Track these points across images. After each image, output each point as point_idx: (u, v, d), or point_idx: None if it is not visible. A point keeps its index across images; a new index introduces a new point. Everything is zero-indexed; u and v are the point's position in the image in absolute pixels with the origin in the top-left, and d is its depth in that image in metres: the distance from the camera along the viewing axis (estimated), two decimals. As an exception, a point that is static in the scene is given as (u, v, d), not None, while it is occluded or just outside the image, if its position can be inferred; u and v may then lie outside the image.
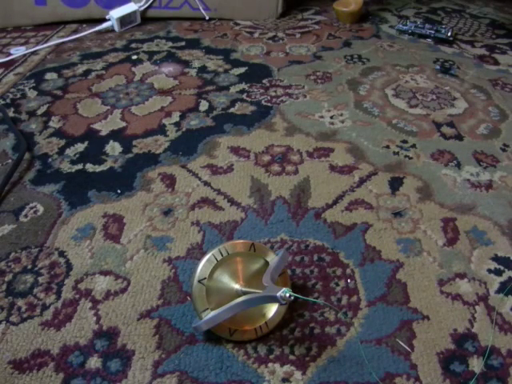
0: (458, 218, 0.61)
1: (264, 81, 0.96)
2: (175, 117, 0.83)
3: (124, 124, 0.81)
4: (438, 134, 0.79)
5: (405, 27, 1.22)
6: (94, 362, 0.44)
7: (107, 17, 1.20)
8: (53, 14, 1.23)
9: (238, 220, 0.60)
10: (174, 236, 0.58)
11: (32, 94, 0.91)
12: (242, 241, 0.47)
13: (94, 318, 0.48)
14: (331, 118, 0.83)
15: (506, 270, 0.54)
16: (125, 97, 0.89)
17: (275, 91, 0.91)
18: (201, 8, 1.27)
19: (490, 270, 0.54)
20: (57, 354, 0.45)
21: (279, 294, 0.38)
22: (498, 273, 0.53)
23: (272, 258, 0.48)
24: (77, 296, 0.50)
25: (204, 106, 0.87)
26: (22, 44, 1.14)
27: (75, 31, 1.22)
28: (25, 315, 0.48)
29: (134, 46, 1.13)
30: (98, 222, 0.60)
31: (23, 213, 0.61)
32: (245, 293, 0.45)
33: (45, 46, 1.12)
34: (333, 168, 0.70)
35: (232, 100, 0.88)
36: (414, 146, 0.76)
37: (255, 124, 0.81)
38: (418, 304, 0.50)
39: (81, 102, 0.88)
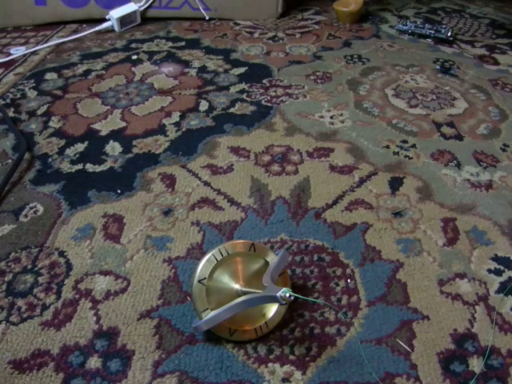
0: (458, 218, 0.61)
1: (264, 81, 0.96)
2: (175, 117, 0.83)
3: (124, 124, 0.81)
4: (438, 134, 0.79)
5: (405, 27, 1.22)
6: (93, 362, 0.44)
7: (107, 17, 1.20)
8: (53, 14, 1.23)
9: (237, 220, 0.60)
10: (174, 236, 0.58)
11: (32, 94, 0.91)
12: (242, 241, 0.47)
13: (94, 318, 0.48)
14: (331, 117, 0.83)
15: (506, 270, 0.54)
16: (125, 97, 0.89)
17: (275, 91, 0.91)
18: (201, 8, 1.27)
19: (490, 270, 0.54)
20: (57, 354, 0.45)
21: (279, 293, 0.38)
22: (498, 273, 0.53)
23: (272, 258, 0.48)
24: (77, 296, 0.50)
25: (204, 105, 0.87)
26: (22, 44, 1.14)
27: (75, 31, 1.22)
28: (25, 315, 0.48)
29: (133, 45, 1.13)
30: (98, 222, 0.60)
31: (23, 213, 0.61)
32: (245, 293, 0.45)
33: (45, 45, 1.12)
34: (333, 168, 0.70)
35: (232, 100, 0.88)
36: (414, 146, 0.76)
37: (255, 124, 0.81)
38: (418, 304, 0.50)
39: (81, 101, 0.88)
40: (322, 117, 0.83)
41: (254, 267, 0.48)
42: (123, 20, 1.21)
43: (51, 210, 0.62)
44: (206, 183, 0.67)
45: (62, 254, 0.55)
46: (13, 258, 0.55)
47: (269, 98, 0.89)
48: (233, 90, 0.92)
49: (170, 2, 1.26)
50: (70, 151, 0.74)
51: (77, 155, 0.73)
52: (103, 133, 0.79)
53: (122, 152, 0.74)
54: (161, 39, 1.17)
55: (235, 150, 0.74)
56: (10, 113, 0.84)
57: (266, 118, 0.82)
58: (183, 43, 1.14)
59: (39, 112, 0.85)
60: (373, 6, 1.44)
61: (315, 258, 0.55)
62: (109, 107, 0.86)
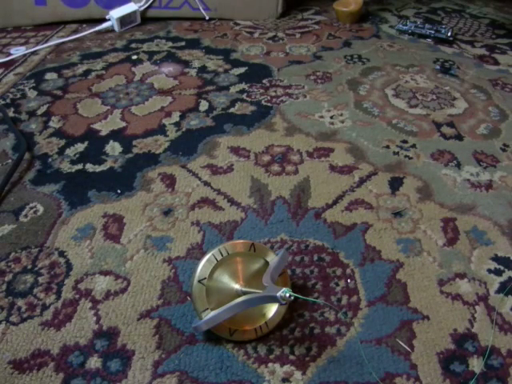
0: (458, 218, 0.61)
1: (264, 81, 0.96)
2: (175, 117, 0.83)
3: (124, 124, 0.81)
4: (438, 134, 0.79)
5: (405, 27, 1.22)
6: (93, 362, 0.44)
7: (107, 17, 1.20)
8: (53, 14, 1.23)
9: (238, 220, 0.60)
10: (174, 236, 0.58)
11: (32, 94, 0.91)
12: (242, 241, 0.47)
13: (94, 318, 0.48)
14: (331, 117, 0.83)
15: (506, 270, 0.54)
16: (125, 97, 0.89)
17: (275, 91, 0.91)
18: (201, 8, 1.27)
19: (490, 270, 0.54)
20: (57, 354, 0.45)
21: (279, 294, 0.38)
22: (498, 273, 0.53)
23: (272, 258, 0.48)
24: (77, 296, 0.50)
25: (204, 106, 0.87)
26: (22, 44, 1.14)
27: (75, 31, 1.22)
28: (25, 315, 0.48)
29: (133, 45, 1.13)
30: (98, 222, 0.60)
31: (23, 213, 0.61)
32: (245, 293, 0.45)
33: (45, 45, 1.12)
34: (333, 168, 0.70)
35: (232, 100, 0.88)
36: (414, 146, 0.76)
37: (255, 124, 0.81)
38: (418, 304, 0.50)
39: (81, 101, 0.88)
40: (321, 117, 0.83)
41: (254, 267, 0.48)
42: (123, 20, 1.21)
43: (51, 210, 0.62)
44: (206, 183, 0.67)
45: (62, 253, 0.55)
46: (13, 258, 0.55)
47: (269, 97, 0.89)
48: (233, 89, 0.92)
49: (170, 2, 1.26)
50: (69, 151, 0.74)
51: (77, 155, 0.73)
52: (103, 133, 0.79)
53: (122, 152, 0.74)
54: (161, 39, 1.17)
55: (235, 150, 0.74)
56: (10, 113, 0.84)
57: (266, 118, 0.82)
58: (183, 43, 1.14)
59: (39, 112, 0.85)
60: (373, 6, 1.44)
61: (315, 257, 0.55)
62: (109, 107, 0.86)
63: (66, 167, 0.70)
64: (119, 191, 0.65)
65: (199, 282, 0.44)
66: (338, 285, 0.52)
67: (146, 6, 1.25)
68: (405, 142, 0.77)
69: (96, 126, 0.80)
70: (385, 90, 0.93)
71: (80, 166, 0.70)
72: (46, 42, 1.15)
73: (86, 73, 0.99)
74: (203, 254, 0.55)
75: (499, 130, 0.81)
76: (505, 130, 0.81)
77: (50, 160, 0.72)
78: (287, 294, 0.38)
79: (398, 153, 0.74)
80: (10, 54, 1.08)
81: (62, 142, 0.76)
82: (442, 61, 1.07)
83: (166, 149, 0.74)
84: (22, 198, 0.64)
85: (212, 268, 0.45)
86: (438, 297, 0.51)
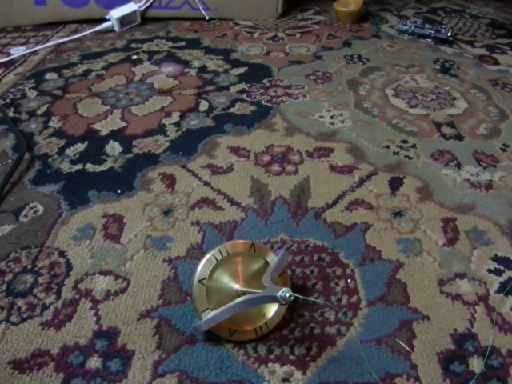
0: (458, 218, 0.61)
1: (264, 81, 0.96)
2: (175, 117, 0.83)
3: (124, 124, 0.81)
4: (437, 134, 0.79)
5: (405, 27, 1.22)
6: (93, 362, 0.44)
7: (107, 17, 1.20)
8: (53, 14, 1.23)
9: (238, 220, 0.60)
10: (174, 236, 0.58)
11: (32, 93, 0.91)
12: (242, 241, 0.47)
13: (94, 318, 0.48)
14: (331, 117, 0.83)
15: (506, 270, 0.54)
16: (125, 97, 0.89)
17: (275, 91, 0.91)
18: (201, 8, 1.27)
19: (490, 270, 0.54)
20: (57, 354, 0.45)
21: (279, 293, 0.38)
22: (498, 273, 0.53)
23: (272, 258, 0.48)
24: (77, 296, 0.50)
25: (204, 106, 0.87)
26: (22, 44, 1.14)
27: (75, 31, 1.22)
28: (25, 315, 0.48)
29: (133, 45, 1.13)
30: (98, 222, 0.60)
31: (23, 213, 0.61)
32: (245, 293, 0.45)
33: (45, 45, 1.12)
34: (333, 168, 0.70)
35: (232, 100, 0.88)
36: (414, 146, 0.76)
37: (255, 124, 0.81)
38: (418, 304, 0.50)
39: (81, 101, 0.88)
40: (321, 117, 0.83)
41: (254, 267, 0.48)
42: (123, 20, 1.21)
43: (51, 210, 0.62)
44: (206, 183, 0.67)
45: (62, 254, 0.55)
46: (13, 258, 0.55)
47: (269, 97, 0.89)
48: (233, 89, 0.92)
49: (170, 2, 1.26)
50: (70, 151, 0.74)
51: (77, 155, 0.73)
52: (103, 133, 0.79)
53: (122, 152, 0.74)
54: (161, 39, 1.17)
55: (235, 150, 0.74)
56: (10, 113, 0.84)
57: (266, 118, 0.82)
58: (183, 43, 1.14)
59: (39, 112, 0.85)
60: (373, 6, 1.44)
61: (315, 258, 0.55)
62: (109, 107, 0.86)
63: (65, 167, 0.70)
64: (119, 191, 0.65)
65: (199, 282, 0.44)
66: (338, 285, 0.52)
67: (146, 6, 1.25)
68: (405, 142, 0.77)
69: (96, 126, 0.80)
70: (385, 89, 0.93)
71: (80, 166, 0.70)
72: (46, 41, 1.15)
73: (86, 73, 0.99)
74: (203, 254, 0.55)
75: (499, 130, 0.81)
76: (505, 130, 0.81)
77: (50, 160, 0.72)
78: (287, 294, 0.38)
79: (397, 153, 0.74)
80: (10, 54, 1.08)
81: (62, 142, 0.76)
82: (442, 61, 1.07)
83: (166, 149, 0.74)
84: (22, 198, 0.64)
85: (212, 268, 0.45)
86: (437, 297, 0.51)
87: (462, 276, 0.53)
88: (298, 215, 0.61)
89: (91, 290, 0.51)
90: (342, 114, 0.84)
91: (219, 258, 0.45)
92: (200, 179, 0.68)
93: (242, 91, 0.91)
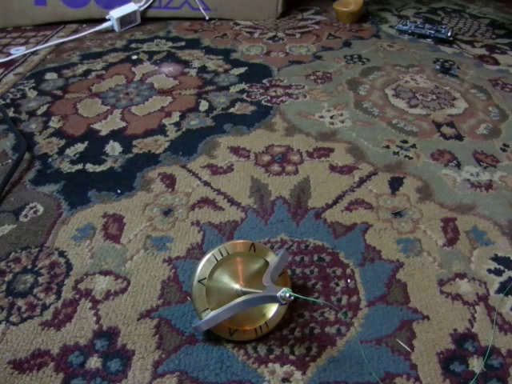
0: (458, 218, 0.61)
1: (264, 81, 0.96)
2: (175, 117, 0.83)
3: (124, 124, 0.81)
4: (437, 134, 0.79)
5: (405, 27, 1.22)
6: (93, 362, 0.44)
7: (107, 17, 1.20)
8: (53, 14, 1.23)
9: (238, 220, 0.60)
10: (174, 236, 0.58)
11: (32, 93, 0.91)
12: (242, 241, 0.47)
13: (94, 318, 0.48)
14: (331, 117, 0.83)
15: (506, 270, 0.54)
16: (125, 97, 0.89)
17: (275, 91, 0.91)
18: (201, 8, 1.27)
19: (490, 270, 0.54)
20: (57, 354, 0.45)
21: (279, 294, 0.38)
22: (498, 273, 0.53)
23: (272, 258, 0.48)
24: (77, 296, 0.50)
25: (204, 106, 0.87)
26: (22, 44, 1.14)
27: (75, 31, 1.22)
28: (25, 315, 0.48)
29: (133, 45, 1.13)
30: (98, 222, 0.60)
31: (23, 213, 0.61)
32: (245, 293, 0.45)
33: (45, 45, 1.12)
34: (333, 168, 0.70)
35: (232, 100, 0.88)
36: (414, 146, 0.76)
37: (255, 124, 0.81)
38: (418, 304, 0.50)
39: (81, 101, 0.88)
40: (321, 117, 0.83)
41: (254, 267, 0.48)
42: (123, 20, 1.21)
43: (51, 210, 0.62)
44: (206, 183, 0.67)
45: (62, 254, 0.55)
46: (13, 258, 0.55)
47: (269, 97, 0.89)
48: (233, 89, 0.92)
49: (170, 2, 1.26)
50: (70, 151, 0.74)
51: (77, 155, 0.73)
52: (103, 133, 0.79)
53: (122, 152, 0.74)
54: (161, 39, 1.17)
55: (235, 150, 0.74)
56: (10, 113, 0.84)
57: (266, 118, 0.82)
58: (183, 43, 1.14)
59: (39, 112, 0.85)
60: (373, 6, 1.44)
61: (315, 258, 0.55)
62: (109, 107, 0.86)
63: (65, 167, 0.70)
64: (119, 191, 0.65)
65: (199, 282, 0.44)
66: (338, 285, 0.52)
67: (146, 6, 1.25)
68: (405, 142, 0.77)
69: (96, 126, 0.80)
70: (385, 89, 0.93)
71: (80, 166, 0.70)
72: (46, 41, 1.15)
73: (86, 73, 0.99)
74: (203, 254, 0.55)
75: (499, 130, 0.81)
76: (505, 130, 0.81)
77: (50, 160, 0.72)
78: (287, 294, 0.38)
79: (398, 153, 0.74)
80: (10, 54, 1.08)
81: (62, 142, 0.76)
82: (442, 61, 1.07)
83: (166, 149, 0.74)
84: (22, 198, 0.64)
85: (212, 268, 0.45)
86: (437, 297, 0.51)
87: (461, 276, 0.53)
88: (298, 215, 0.61)
89: (91, 290, 0.51)
90: (342, 114, 0.84)
91: (219, 258, 0.45)
92: (200, 179, 0.68)
93: (242, 91, 0.91)
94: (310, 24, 1.29)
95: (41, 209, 0.62)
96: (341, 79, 0.97)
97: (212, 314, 0.43)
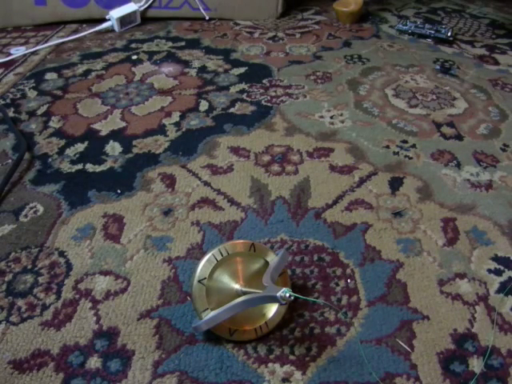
0: (458, 218, 0.61)
1: (264, 81, 0.96)
2: (175, 117, 0.83)
3: (124, 124, 0.81)
4: (437, 134, 0.79)
5: (405, 27, 1.22)
6: (93, 362, 0.44)
7: (107, 17, 1.20)
8: (53, 14, 1.23)
9: (238, 220, 0.60)
10: (174, 236, 0.58)
11: (32, 93, 0.91)
12: (242, 241, 0.47)
13: (94, 318, 0.48)
14: (331, 117, 0.83)
15: (506, 270, 0.54)
16: (125, 97, 0.89)
17: (275, 91, 0.91)
18: (201, 8, 1.27)
19: (490, 270, 0.54)
20: (57, 354, 0.45)
21: (279, 294, 0.38)
22: (498, 273, 0.53)
23: (272, 258, 0.48)
24: (77, 296, 0.50)
25: (204, 106, 0.87)
26: (22, 44, 1.14)
27: (75, 31, 1.22)
28: (25, 315, 0.48)
29: (133, 45, 1.13)
30: (98, 222, 0.60)
31: (23, 213, 0.61)
32: (245, 293, 0.45)
33: (45, 45, 1.12)
34: (333, 168, 0.70)
35: (232, 100, 0.88)
36: (414, 146, 0.76)
37: (255, 124, 0.81)
38: (418, 304, 0.50)
39: (81, 101, 0.88)
40: (322, 117, 0.83)
41: (254, 267, 0.48)
42: (123, 20, 1.21)
43: (51, 210, 0.62)
44: (206, 183, 0.67)
45: (62, 254, 0.55)
46: (13, 258, 0.55)
47: (269, 97, 0.89)
48: (233, 89, 0.92)
49: (170, 2, 1.26)
50: (69, 151, 0.74)
51: (77, 155, 0.73)
52: (103, 133, 0.79)
53: (122, 152, 0.74)
54: (161, 39, 1.17)
55: (235, 150, 0.74)
56: (10, 113, 0.84)
57: (266, 118, 0.82)
58: (183, 43, 1.14)
59: (39, 112, 0.85)
60: (373, 6, 1.44)
61: (315, 258, 0.55)
62: (109, 107, 0.86)
63: (65, 167, 0.70)
64: (119, 191, 0.65)
65: (199, 282, 0.44)
66: (338, 285, 0.52)
67: (146, 6, 1.25)
68: (405, 142, 0.77)
69: (96, 126, 0.80)
70: (385, 89, 0.93)
71: (80, 166, 0.70)
72: (46, 41, 1.15)
73: (86, 73, 0.99)
74: (203, 254, 0.55)
75: (499, 130, 0.81)
76: (505, 129, 0.81)
77: (50, 160, 0.72)
78: (287, 294, 0.38)
79: (398, 153, 0.74)
80: (10, 54, 1.08)
81: (62, 142, 0.76)
82: (442, 61, 1.07)
83: (166, 149, 0.74)
84: (22, 198, 0.64)
85: (212, 268, 0.45)
86: (437, 297, 0.51)
87: (461, 276, 0.53)
88: (298, 215, 0.61)
89: (91, 290, 0.51)
90: (342, 114, 0.84)
91: (219, 258, 0.45)
92: (200, 179, 0.68)
93: (242, 91, 0.91)
94: (309, 24, 1.29)
95: (41, 209, 0.62)
96: (341, 79, 0.97)
97: (212, 313, 0.43)
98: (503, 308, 0.49)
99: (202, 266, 0.45)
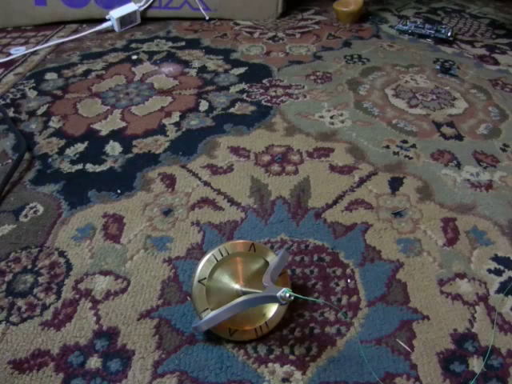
0: (458, 218, 0.61)
1: (264, 81, 0.95)
2: (175, 117, 0.83)
3: (124, 124, 0.81)
4: (437, 134, 0.79)
5: (405, 27, 1.22)
6: (93, 362, 0.44)
7: (107, 17, 1.20)
8: (53, 14, 1.23)
9: (238, 220, 0.60)
10: (174, 236, 0.58)
11: (32, 93, 0.91)
12: (242, 241, 0.47)
13: (94, 318, 0.48)
14: (331, 118, 0.83)
15: (506, 270, 0.54)
16: (125, 97, 0.89)
17: (275, 91, 0.91)
18: (201, 8, 1.27)
19: (490, 270, 0.54)
20: (57, 354, 0.45)
21: (279, 294, 0.38)
22: (498, 273, 0.53)
23: (272, 258, 0.48)
24: (77, 296, 0.50)
25: (204, 106, 0.87)
26: (22, 44, 1.14)
27: (75, 31, 1.22)
28: (25, 315, 0.48)
29: (133, 45, 1.13)
30: (98, 222, 0.60)
31: (23, 213, 0.61)
32: (245, 293, 0.45)
33: (45, 45, 1.12)
34: (333, 168, 0.70)
35: (232, 100, 0.88)
36: (414, 146, 0.76)
37: (255, 124, 0.81)
38: (418, 304, 0.50)
39: (81, 101, 0.88)
40: (322, 117, 0.83)
41: (254, 267, 0.48)
42: (123, 20, 1.21)
43: (51, 210, 0.62)
44: (206, 183, 0.67)
45: (62, 253, 0.55)
46: (13, 258, 0.55)
47: (269, 98, 0.89)
48: (233, 89, 0.92)
49: (170, 2, 1.26)
50: (69, 151, 0.74)
51: (77, 155, 0.73)
52: (103, 133, 0.79)
53: (122, 152, 0.74)
54: (161, 39, 1.17)
55: (235, 150, 0.74)
56: (10, 113, 0.84)
57: (266, 118, 0.82)
58: (183, 43, 1.14)
59: (39, 112, 0.85)
60: (373, 6, 1.44)
61: (315, 258, 0.55)
62: (109, 107, 0.86)
63: (65, 167, 0.70)
64: (119, 191, 0.65)
65: (199, 282, 0.44)
66: (338, 285, 0.52)
67: (146, 6, 1.25)
68: (405, 142, 0.77)
69: (96, 126, 0.80)
70: (385, 90, 0.93)
71: (80, 166, 0.70)
72: (46, 41, 1.15)
73: (86, 73, 0.99)
74: (203, 254, 0.55)
75: (499, 130, 0.81)
76: (505, 129, 0.81)
77: (49, 160, 0.72)
78: (287, 294, 0.38)
79: (398, 153, 0.74)
80: (9, 54, 1.08)
81: (62, 142, 0.76)
82: (442, 61, 1.07)
83: (166, 149, 0.74)
84: (22, 198, 0.64)
85: (212, 268, 0.45)
86: (438, 297, 0.51)
87: (461, 276, 0.53)
88: (297, 215, 0.61)
89: (91, 290, 0.51)
90: (342, 114, 0.84)
91: (219, 258, 0.45)
92: (200, 179, 0.68)
93: (242, 91, 0.91)
94: (309, 24, 1.29)
95: (41, 209, 0.62)
96: (341, 79, 0.97)
97: (212, 313, 0.43)
98: (503, 308, 0.49)
99: (202, 266, 0.45)
